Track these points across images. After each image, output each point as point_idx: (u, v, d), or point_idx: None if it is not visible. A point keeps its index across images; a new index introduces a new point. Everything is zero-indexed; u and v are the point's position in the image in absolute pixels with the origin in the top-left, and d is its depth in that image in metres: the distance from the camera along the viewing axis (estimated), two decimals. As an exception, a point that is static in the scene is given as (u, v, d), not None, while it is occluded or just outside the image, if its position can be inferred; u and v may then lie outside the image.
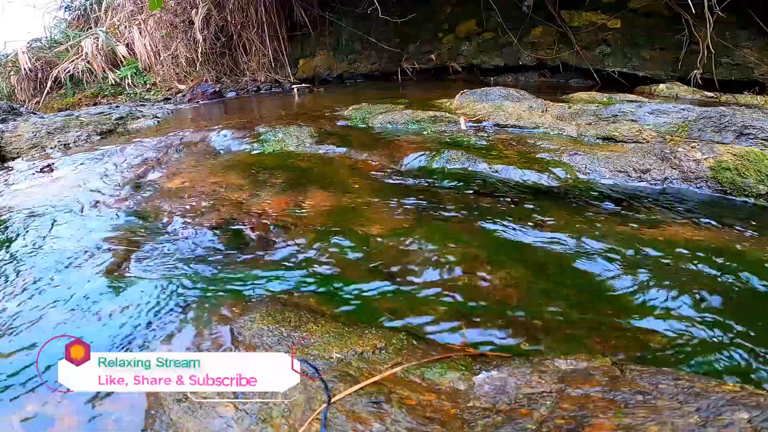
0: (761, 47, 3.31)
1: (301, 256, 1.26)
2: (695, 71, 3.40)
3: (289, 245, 1.33)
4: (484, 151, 1.99)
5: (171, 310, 1.04)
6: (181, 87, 6.11)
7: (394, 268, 1.17)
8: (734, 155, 1.67)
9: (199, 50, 5.79)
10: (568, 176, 1.74)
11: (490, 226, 1.38)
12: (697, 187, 1.66)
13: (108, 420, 0.75)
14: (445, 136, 2.31)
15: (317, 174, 1.94)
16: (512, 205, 1.53)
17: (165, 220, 1.58)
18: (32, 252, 1.38)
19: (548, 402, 0.69)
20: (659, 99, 3.01)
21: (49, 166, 2.36)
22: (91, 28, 7.17)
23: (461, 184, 1.74)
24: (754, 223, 1.41)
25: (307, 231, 1.40)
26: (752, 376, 0.81)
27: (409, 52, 5.13)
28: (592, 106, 2.50)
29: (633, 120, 2.23)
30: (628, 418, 0.62)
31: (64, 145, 3.04)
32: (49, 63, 6.63)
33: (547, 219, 1.41)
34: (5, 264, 1.32)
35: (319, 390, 0.74)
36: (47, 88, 6.53)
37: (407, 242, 1.28)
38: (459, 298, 1.04)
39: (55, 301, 1.10)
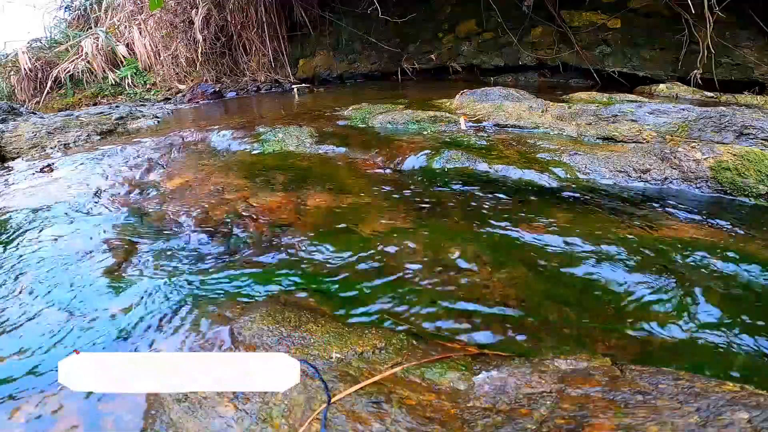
0: (761, 47, 3.30)
1: (301, 256, 1.26)
2: (695, 71, 3.40)
3: (290, 245, 1.33)
4: (484, 151, 1.99)
5: (171, 310, 1.04)
6: (181, 87, 6.12)
7: (394, 268, 1.17)
8: (734, 155, 1.67)
9: (199, 50, 5.80)
10: (568, 176, 1.74)
11: (491, 226, 1.38)
12: (697, 187, 1.66)
13: (108, 420, 0.75)
14: (445, 136, 2.31)
15: (317, 174, 1.94)
16: (512, 205, 1.53)
17: (165, 220, 1.58)
18: (32, 252, 1.38)
19: (548, 402, 0.69)
20: (659, 99, 3.01)
21: (49, 166, 2.36)
22: (91, 28, 7.17)
23: (461, 183, 1.74)
24: (754, 223, 1.41)
25: (307, 230, 1.40)
26: (753, 375, 0.81)
27: (409, 52, 5.13)
28: (592, 106, 2.49)
29: (633, 120, 2.23)
30: (628, 418, 0.62)
31: (64, 145, 3.04)
32: (49, 63, 6.64)
33: (547, 219, 1.41)
34: (5, 264, 1.32)
35: (319, 390, 0.74)
36: (47, 88, 6.53)
37: (407, 242, 1.28)
38: (459, 297, 1.04)
39: (55, 302, 1.10)
